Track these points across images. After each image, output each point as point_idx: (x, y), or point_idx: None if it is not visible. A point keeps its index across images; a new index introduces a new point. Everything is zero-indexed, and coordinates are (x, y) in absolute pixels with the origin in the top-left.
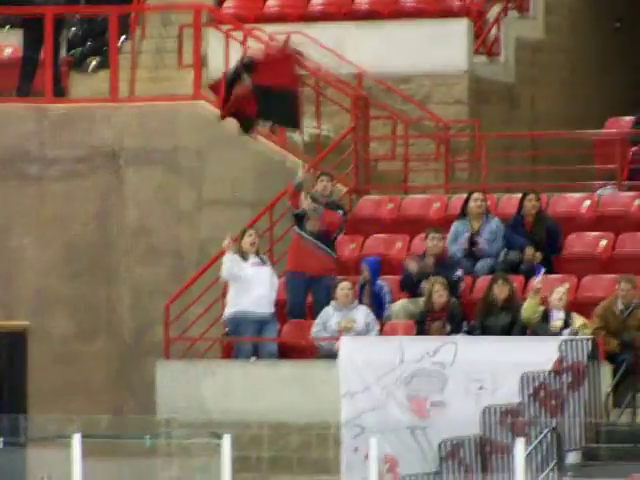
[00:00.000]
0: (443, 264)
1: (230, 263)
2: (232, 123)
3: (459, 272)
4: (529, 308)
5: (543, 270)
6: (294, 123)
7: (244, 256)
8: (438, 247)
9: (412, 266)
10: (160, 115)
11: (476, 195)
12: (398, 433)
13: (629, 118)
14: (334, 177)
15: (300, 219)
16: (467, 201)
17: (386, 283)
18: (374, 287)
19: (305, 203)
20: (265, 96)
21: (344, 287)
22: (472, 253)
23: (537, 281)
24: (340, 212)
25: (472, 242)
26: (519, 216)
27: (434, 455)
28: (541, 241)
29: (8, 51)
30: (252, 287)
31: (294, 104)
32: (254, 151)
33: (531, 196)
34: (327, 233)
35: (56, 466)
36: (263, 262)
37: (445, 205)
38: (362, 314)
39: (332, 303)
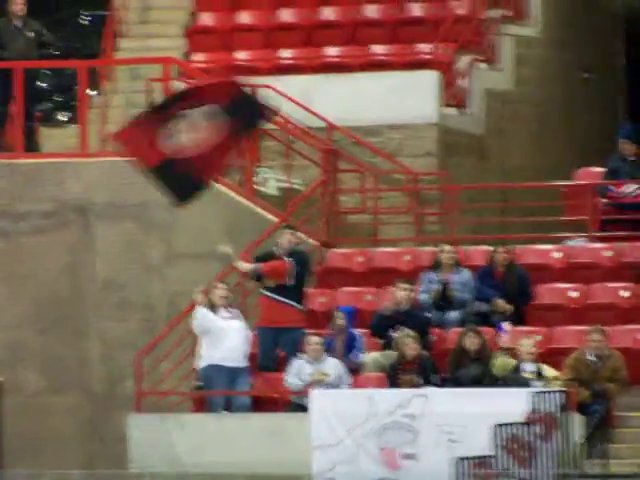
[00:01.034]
0: (414, 312)
1: (201, 316)
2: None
3: (429, 314)
4: (500, 366)
5: (504, 328)
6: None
7: (214, 309)
8: (409, 297)
9: (386, 305)
10: (130, 169)
11: (447, 247)
12: None
13: (599, 169)
14: (298, 230)
15: (259, 279)
16: (438, 253)
17: (358, 333)
18: (348, 336)
19: (242, 267)
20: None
21: (313, 342)
22: (443, 305)
23: (502, 339)
24: (287, 260)
25: (444, 292)
26: (489, 266)
27: None
28: (512, 292)
29: None
30: (224, 340)
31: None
32: (224, 203)
33: (500, 249)
34: (285, 285)
35: None
36: (233, 315)
37: (415, 257)
38: (333, 367)
39: (303, 356)
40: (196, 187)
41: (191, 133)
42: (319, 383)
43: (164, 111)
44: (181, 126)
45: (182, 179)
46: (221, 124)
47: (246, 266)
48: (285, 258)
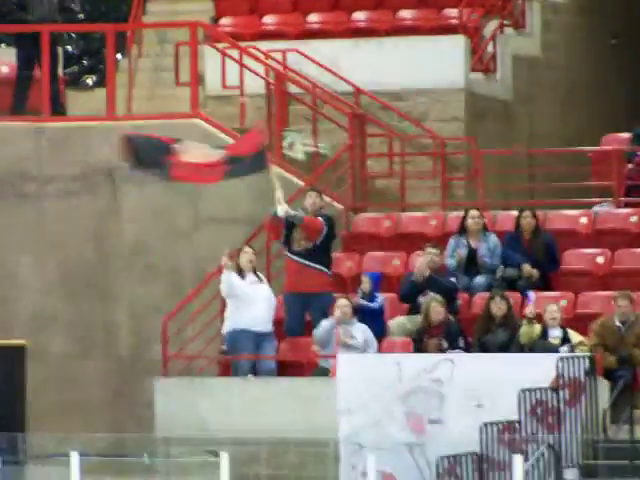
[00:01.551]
0: (440, 278)
1: (228, 281)
2: (229, 140)
3: (453, 279)
4: (525, 334)
5: (533, 296)
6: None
7: (242, 274)
8: (436, 262)
9: (424, 272)
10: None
11: (473, 212)
12: (396, 450)
13: (626, 135)
14: (323, 193)
15: (287, 242)
16: (465, 218)
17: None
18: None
19: (281, 211)
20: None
21: (342, 305)
22: (470, 270)
23: (529, 309)
24: (319, 218)
25: (471, 257)
26: (516, 233)
27: (432, 472)
28: (538, 258)
29: (4, 69)
30: (250, 305)
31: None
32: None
33: (526, 213)
34: (316, 250)
35: None
36: (260, 280)
37: (442, 222)
38: (361, 331)
39: (330, 318)
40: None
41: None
42: (346, 345)
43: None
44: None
45: (156, 159)
46: (218, 160)
47: (289, 210)
48: (319, 218)
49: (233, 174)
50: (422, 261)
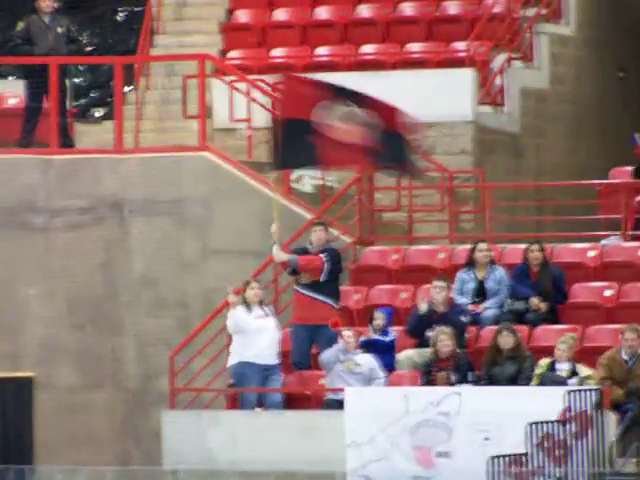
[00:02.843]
0: (450, 312)
1: (234, 319)
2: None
3: (464, 318)
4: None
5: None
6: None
7: (248, 308)
8: (443, 296)
9: (422, 306)
10: (165, 165)
11: (482, 245)
12: None
13: (631, 168)
14: (331, 226)
15: (295, 274)
16: (473, 251)
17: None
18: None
19: (275, 257)
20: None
21: (346, 335)
22: (478, 302)
23: None
24: (322, 256)
25: (478, 289)
26: (524, 266)
27: None
28: (547, 291)
29: (12, 101)
30: (256, 339)
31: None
32: (259, 200)
33: (534, 246)
34: (321, 282)
35: None
36: (267, 314)
37: (450, 255)
38: (366, 360)
39: (336, 345)
40: (306, 163)
41: (343, 123)
42: (351, 371)
43: (338, 92)
44: (341, 111)
45: (302, 148)
46: (370, 136)
47: (283, 255)
48: (320, 255)
49: (386, 162)
50: (438, 297)
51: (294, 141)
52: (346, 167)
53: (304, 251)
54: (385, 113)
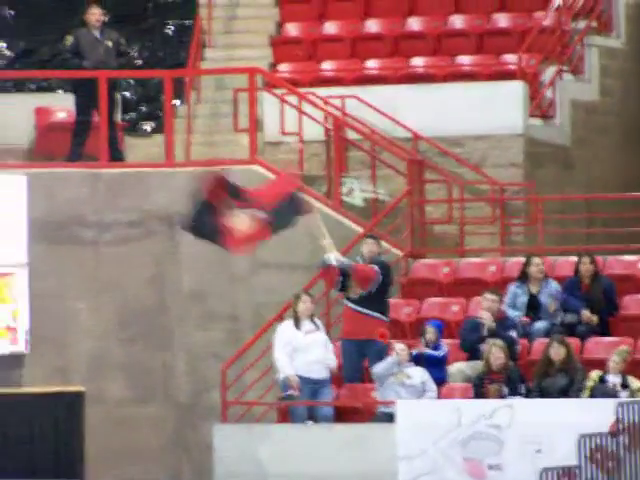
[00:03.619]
0: (501, 326)
1: (284, 334)
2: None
3: (514, 333)
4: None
5: None
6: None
7: (297, 322)
8: (494, 308)
9: (486, 316)
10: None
11: (537, 260)
12: None
13: None
14: (382, 239)
15: (344, 289)
16: (526, 265)
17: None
18: (437, 349)
19: (334, 258)
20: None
21: (398, 348)
22: (531, 316)
23: None
24: (374, 267)
25: (532, 303)
26: (575, 278)
27: None
28: (598, 303)
29: (62, 115)
30: (305, 353)
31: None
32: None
33: (585, 259)
34: (371, 297)
35: None
36: (317, 327)
37: (501, 268)
38: (418, 372)
39: (389, 358)
40: (211, 238)
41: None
42: (403, 384)
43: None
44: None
45: (209, 226)
46: (262, 221)
47: (339, 258)
48: (372, 266)
49: (277, 228)
50: (487, 317)
51: (203, 217)
52: (244, 248)
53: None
54: (268, 195)
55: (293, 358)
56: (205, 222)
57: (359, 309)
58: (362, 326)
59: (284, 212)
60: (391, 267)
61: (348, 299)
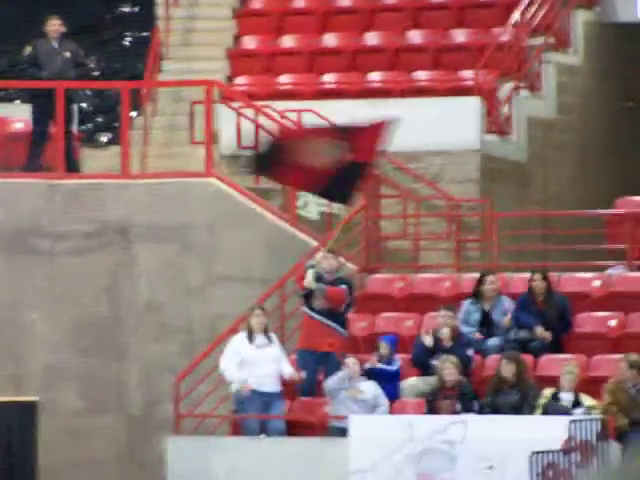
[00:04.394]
0: (455, 342)
1: (235, 348)
2: (243, 199)
3: (470, 351)
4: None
5: None
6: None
7: (251, 336)
8: (450, 325)
9: (427, 339)
10: (171, 191)
11: (491, 278)
12: None
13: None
14: (340, 254)
15: (307, 297)
16: (480, 282)
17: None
18: (391, 364)
19: (307, 282)
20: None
21: (350, 362)
22: (483, 332)
23: None
24: (344, 287)
25: (486, 320)
26: (529, 295)
27: None
28: (551, 320)
29: (19, 125)
30: (257, 367)
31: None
32: (265, 227)
33: (536, 276)
34: (335, 310)
35: None
36: (270, 341)
37: (456, 284)
38: (370, 387)
39: (340, 372)
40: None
41: (316, 154)
42: (354, 399)
43: (340, 130)
44: (323, 147)
45: (273, 159)
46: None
47: (313, 284)
48: (339, 284)
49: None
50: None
51: (269, 153)
52: (296, 186)
53: (319, 277)
54: (362, 145)
55: (244, 371)
56: (269, 158)
57: (321, 319)
58: (321, 338)
59: (348, 179)
60: (354, 283)
61: (311, 308)
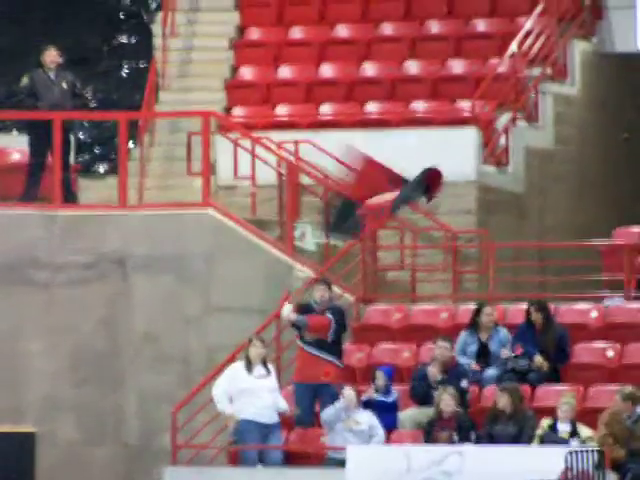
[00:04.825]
0: (452, 373)
1: (234, 378)
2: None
3: (464, 383)
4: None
5: None
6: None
7: (249, 366)
8: (446, 356)
9: (435, 374)
10: (168, 222)
11: (488, 309)
12: None
13: (638, 229)
14: (334, 284)
15: (299, 329)
16: (477, 313)
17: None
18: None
19: (284, 315)
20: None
21: (347, 394)
22: (481, 363)
23: None
24: (329, 316)
25: (483, 351)
26: (528, 324)
27: None
28: (549, 350)
29: (16, 156)
30: (255, 398)
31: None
32: (262, 258)
33: (532, 308)
34: (324, 341)
35: None
36: (268, 372)
37: (453, 315)
38: (366, 417)
39: (337, 403)
40: (354, 231)
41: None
42: (351, 430)
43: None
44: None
45: (352, 221)
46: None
47: (292, 316)
48: (326, 314)
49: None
50: (435, 371)
51: (346, 216)
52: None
53: (308, 308)
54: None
55: (243, 402)
56: (348, 219)
57: (314, 352)
58: (315, 369)
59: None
60: (346, 312)
61: (303, 341)
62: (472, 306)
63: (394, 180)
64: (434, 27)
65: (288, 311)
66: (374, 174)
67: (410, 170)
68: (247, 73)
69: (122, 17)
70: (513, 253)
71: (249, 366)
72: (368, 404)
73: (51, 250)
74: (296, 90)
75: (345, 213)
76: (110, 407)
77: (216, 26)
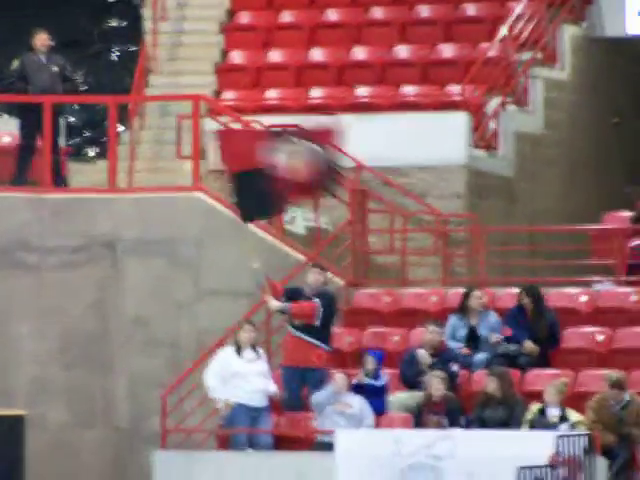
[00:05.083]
0: (442, 357)
1: (224, 361)
2: (230, 214)
3: (455, 367)
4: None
5: None
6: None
7: (239, 350)
8: (436, 340)
9: (423, 354)
10: (158, 206)
11: (477, 293)
12: None
13: (627, 213)
14: (326, 269)
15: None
16: (466, 297)
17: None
18: (377, 379)
19: (271, 305)
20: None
21: (337, 378)
22: (470, 347)
23: None
24: (316, 301)
25: (473, 336)
26: (520, 308)
27: None
28: (541, 335)
29: (6, 139)
30: (245, 382)
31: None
32: (252, 241)
33: (522, 294)
34: (311, 326)
35: None
36: (258, 356)
37: (443, 298)
38: (356, 401)
39: (328, 387)
40: (267, 209)
41: (290, 159)
42: (342, 413)
43: (275, 134)
44: (285, 148)
45: (260, 195)
46: (316, 168)
47: (275, 304)
48: (313, 299)
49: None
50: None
51: (249, 193)
52: (298, 201)
53: (298, 292)
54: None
55: (233, 385)
56: (254, 199)
57: (301, 336)
58: (303, 354)
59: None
60: (336, 297)
61: (292, 326)
62: (462, 290)
63: (261, 136)
64: (424, 11)
65: (272, 301)
66: (237, 141)
67: (400, 156)
68: (237, 57)
69: (112, 0)
70: (503, 237)
71: (239, 350)
72: (358, 388)
73: (41, 233)
74: (286, 74)
75: (245, 191)
76: (100, 391)
77: (206, 10)
